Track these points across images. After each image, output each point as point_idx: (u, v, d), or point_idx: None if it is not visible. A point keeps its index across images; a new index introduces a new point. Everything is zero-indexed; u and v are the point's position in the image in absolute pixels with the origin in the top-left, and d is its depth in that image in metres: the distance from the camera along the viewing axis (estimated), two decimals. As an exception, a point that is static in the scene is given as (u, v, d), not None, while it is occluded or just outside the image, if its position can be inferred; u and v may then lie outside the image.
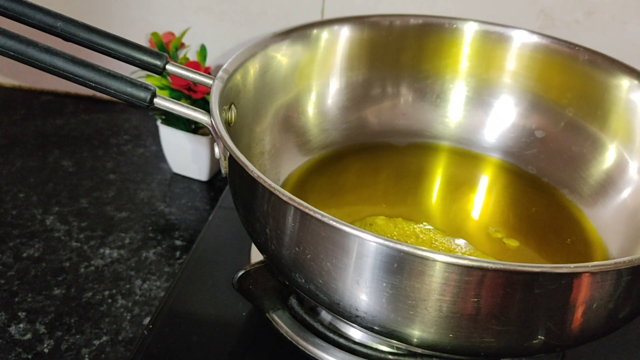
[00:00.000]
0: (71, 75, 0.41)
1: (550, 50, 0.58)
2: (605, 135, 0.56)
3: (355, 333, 0.46)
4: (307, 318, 0.46)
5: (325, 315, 0.47)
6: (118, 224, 0.62)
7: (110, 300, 0.53)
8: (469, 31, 0.60)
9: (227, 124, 0.46)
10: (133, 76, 0.43)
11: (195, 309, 0.49)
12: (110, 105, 0.83)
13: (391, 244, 0.32)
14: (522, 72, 0.60)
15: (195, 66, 0.65)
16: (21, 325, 0.50)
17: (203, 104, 0.64)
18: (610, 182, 0.54)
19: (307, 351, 0.45)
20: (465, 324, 0.34)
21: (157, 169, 0.71)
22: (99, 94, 0.82)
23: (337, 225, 0.33)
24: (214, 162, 0.68)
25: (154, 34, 0.66)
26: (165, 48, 0.67)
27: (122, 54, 0.46)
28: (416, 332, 0.36)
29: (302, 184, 0.55)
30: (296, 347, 0.46)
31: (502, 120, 0.61)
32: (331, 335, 0.45)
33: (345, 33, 0.59)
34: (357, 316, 0.36)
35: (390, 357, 0.44)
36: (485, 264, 0.32)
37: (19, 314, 0.51)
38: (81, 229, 0.61)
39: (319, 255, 0.35)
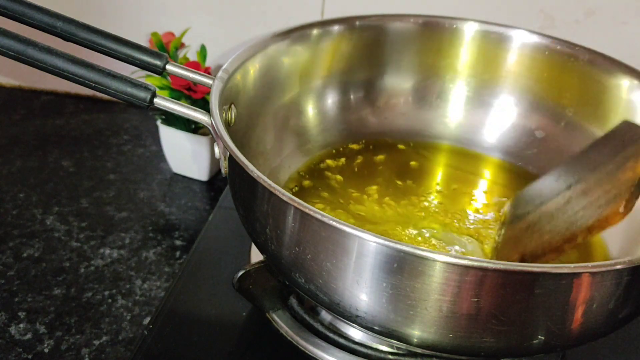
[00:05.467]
0: (71, 75, 0.41)
1: (550, 50, 0.58)
2: (605, 135, 0.56)
3: (355, 333, 0.46)
4: (307, 318, 0.46)
5: (325, 315, 0.47)
6: (118, 224, 0.62)
7: (110, 300, 0.53)
8: (469, 31, 0.60)
9: (227, 124, 0.46)
10: (133, 76, 0.43)
11: (195, 309, 0.49)
12: (110, 105, 0.83)
13: (391, 244, 0.32)
14: (522, 72, 0.60)
15: (195, 66, 0.65)
16: (21, 325, 0.50)
17: (203, 104, 0.64)
18: (610, 182, 0.54)
19: (307, 351, 0.45)
20: (465, 324, 0.34)
21: (157, 169, 0.71)
22: (99, 94, 0.82)
23: (337, 225, 0.33)
24: (214, 162, 0.68)
25: (154, 34, 0.66)
26: (165, 48, 0.67)
27: (122, 54, 0.46)
28: (416, 332, 0.35)
29: (302, 184, 0.55)
30: (296, 347, 0.46)
31: (502, 120, 0.61)
32: (331, 335, 0.45)
33: (345, 33, 0.59)
34: (357, 316, 0.36)
35: (390, 357, 0.44)
36: (485, 264, 0.32)
37: (19, 314, 0.51)
38: (81, 229, 0.61)
39: (319, 255, 0.35)
